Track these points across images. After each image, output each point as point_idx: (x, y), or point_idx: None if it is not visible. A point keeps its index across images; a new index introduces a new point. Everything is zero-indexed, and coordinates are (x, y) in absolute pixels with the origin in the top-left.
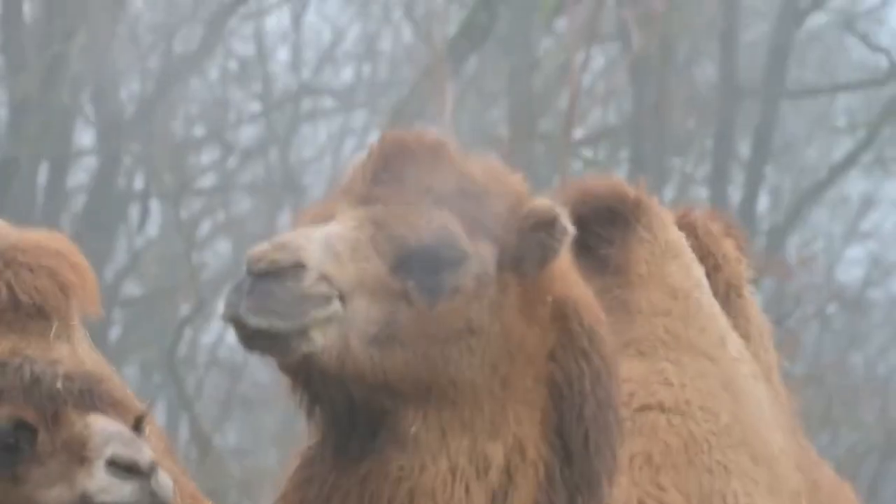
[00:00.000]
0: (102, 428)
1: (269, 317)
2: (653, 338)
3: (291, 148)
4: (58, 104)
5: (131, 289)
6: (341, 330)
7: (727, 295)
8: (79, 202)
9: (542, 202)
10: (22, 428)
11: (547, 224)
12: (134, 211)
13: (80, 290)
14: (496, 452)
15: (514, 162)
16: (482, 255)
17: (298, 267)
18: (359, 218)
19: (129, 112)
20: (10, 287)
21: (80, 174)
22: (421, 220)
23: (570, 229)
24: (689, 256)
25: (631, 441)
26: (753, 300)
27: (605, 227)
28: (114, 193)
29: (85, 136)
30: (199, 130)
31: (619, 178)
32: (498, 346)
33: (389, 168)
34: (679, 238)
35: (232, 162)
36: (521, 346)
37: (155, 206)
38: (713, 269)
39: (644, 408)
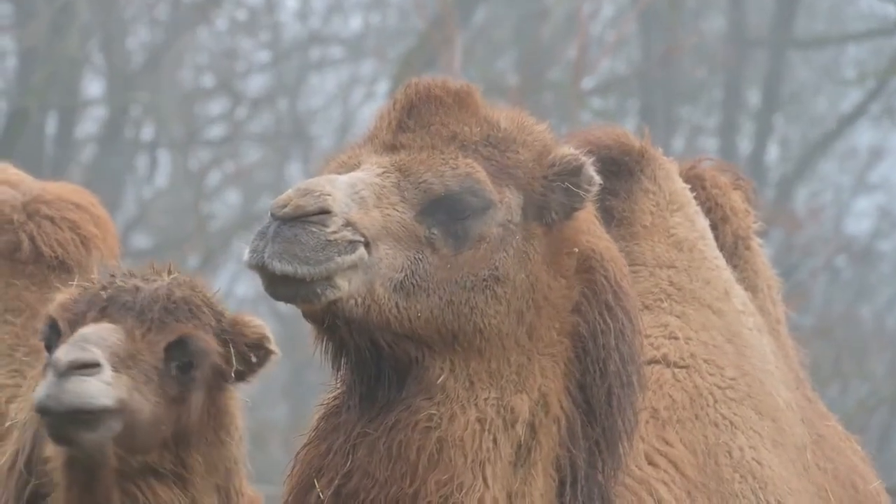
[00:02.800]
0: (80, 331)
1: (293, 262)
2: (657, 290)
3: (300, 97)
4: (66, 54)
5: (140, 240)
6: (366, 277)
7: (735, 247)
8: (87, 152)
9: (569, 151)
10: (53, 329)
11: (573, 172)
12: (142, 161)
13: (101, 243)
14: (522, 405)
15: (524, 111)
16: (508, 203)
17: (324, 213)
18: (384, 165)
19: (138, 62)
20: (32, 239)
21: (89, 124)
22: (446, 166)
23: (597, 179)
24: (694, 208)
25: None
26: (761, 252)
27: (609, 179)
28: (122, 143)
29: (93, 86)
30: (207, 80)
31: (624, 128)
32: (523, 296)
33: (415, 115)
34: (684, 189)
35: (240, 112)
36: (546, 297)
37: (163, 156)
38: (721, 220)
39: (649, 362)
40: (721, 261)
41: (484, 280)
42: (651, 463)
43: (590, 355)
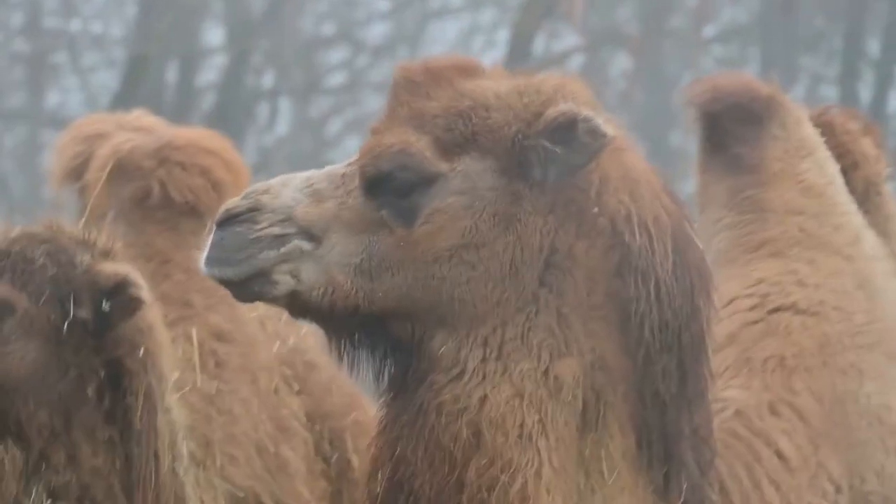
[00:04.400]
0: None
1: (219, 266)
2: (786, 237)
3: (420, 46)
4: (187, 2)
5: None
6: (319, 266)
7: (866, 193)
8: (208, 100)
9: (562, 108)
10: None
11: (564, 128)
12: (263, 109)
13: (233, 188)
14: (566, 370)
15: (645, 60)
16: (468, 171)
17: (253, 211)
18: (359, 150)
19: (259, 10)
20: (162, 185)
21: (209, 72)
22: (383, 146)
23: (603, 131)
24: (824, 154)
25: (764, 343)
26: (893, 198)
27: (737, 126)
28: (243, 92)
29: (214, 34)
30: (328, 28)
31: (750, 75)
32: (515, 257)
33: (396, 98)
34: (813, 135)
35: (361, 60)
36: (569, 258)
37: (284, 104)
38: (851, 167)
39: (778, 309)
40: (852, 207)
41: (450, 250)
42: (774, 413)
43: (639, 316)
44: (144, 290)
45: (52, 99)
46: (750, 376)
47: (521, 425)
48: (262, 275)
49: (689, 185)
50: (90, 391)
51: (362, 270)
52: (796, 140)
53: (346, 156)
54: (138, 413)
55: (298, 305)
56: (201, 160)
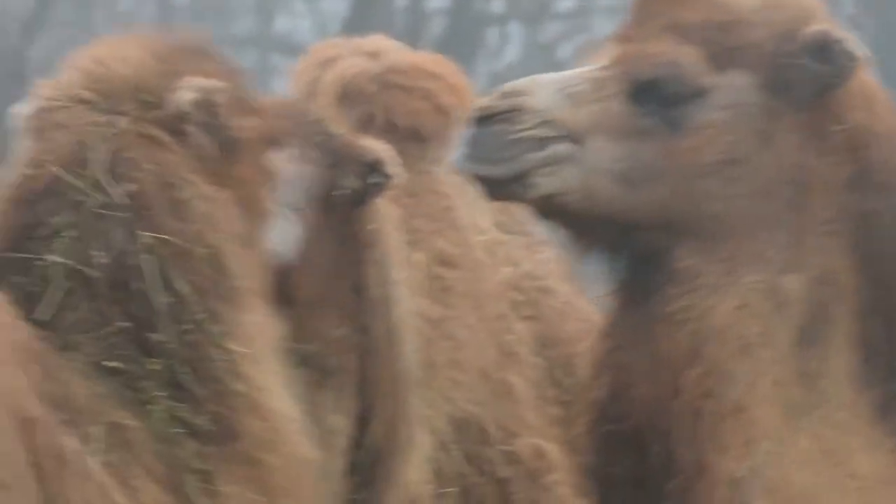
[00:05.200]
0: None
1: (481, 164)
2: None
3: None
4: None
5: None
6: (580, 170)
7: None
8: (437, 25)
9: (820, 27)
10: None
11: (819, 49)
12: (493, 34)
13: (459, 112)
14: (794, 285)
15: None
16: (731, 85)
17: (513, 111)
18: (609, 57)
19: None
20: (385, 110)
21: None
22: (655, 54)
23: (857, 54)
24: None
25: None
26: None
27: None
28: (473, 16)
29: None
30: None
31: None
32: (772, 175)
33: (647, 6)
34: None
35: None
36: (813, 175)
37: (514, 29)
38: None
39: None
40: None
41: (714, 164)
42: None
43: (874, 232)
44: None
45: (282, 25)
46: None
47: (743, 336)
48: (523, 176)
49: None
50: (345, 263)
51: (624, 177)
52: None
53: None
54: (376, 284)
55: (552, 208)
56: (424, 84)
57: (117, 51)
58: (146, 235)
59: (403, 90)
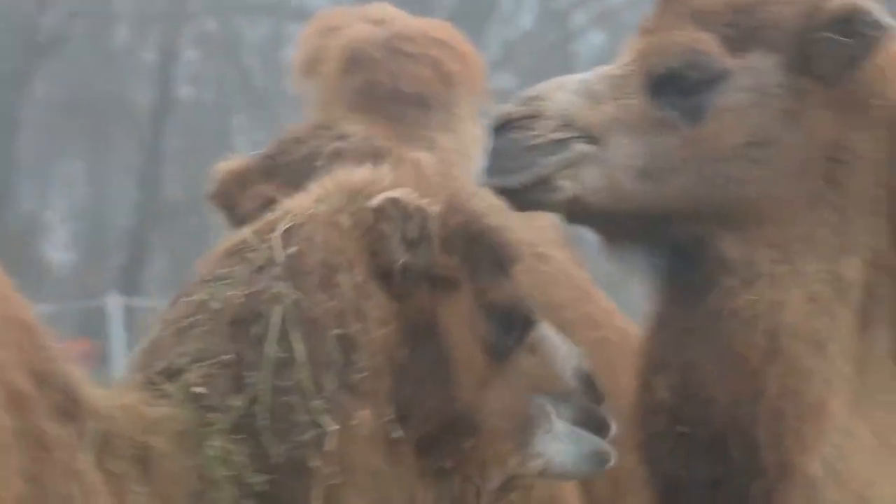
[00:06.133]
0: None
1: (500, 175)
2: None
3: None
4: None
5: (504, 79)
6: (603, 169)
7: None
8: None
9: (839, 1)
10: (267, 206)
11: (843, 20)
12: (507, 1)
13: (465, 79)
14: (850, 269)
15: None
16: (756, 67)
17: (531, 118)
18: (631, 52)
19: None
20: (392, 76)
21: None
22: (670, 44)
23: (884, 22)
24: None
25: None
26: None
27: None
28: None
29: None
30: None
31: None
32: (805, 154)
33: None
34: None
35: None
36: (851, 151)
37: None
38: None
39: None
40: None
41: (736, 148)
42: None
43: None
44: None
45: None
46: None
47: (817, 331)
48: (544, 181)
49: None
50: None
51: (647, 172)
52: None
53: (591, 49)
54: None
55: (579, 210)
56: (431, 51)
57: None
58: (283, 286)
59: (410, 57)
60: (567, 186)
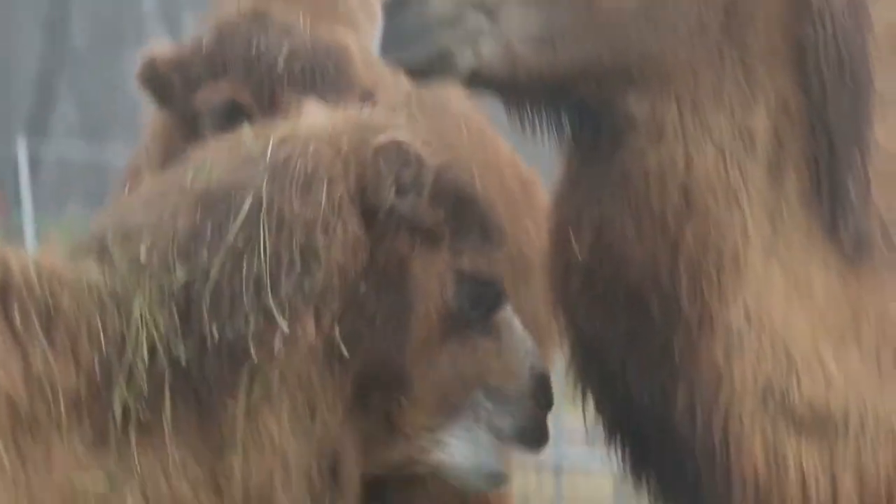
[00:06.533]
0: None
1: (398, 51)
2: None
3: None
4: None
5: None
6: (500, 40)
7: None
8: None
9: None
10: (236, 110)
11: None
12: None
13: None
14: (758, 118)
15: None
16: None
17: None
18: None
19: None
20: None
21: None
22: None
23: None
24: None
25: None
26: None
27: None
28: None
29: None
30: None
31: None
32: (700, 9)
33: None
34: None
35: None
36: (744, 4)
37: None
38: None
39: None
40: None
41: (634, 11)
42: None
43: (813, 53)
44: None
45: None
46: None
47: (729, 184)
48: (443, 55)
49: None
50: None
51: (545, 40)
52: None
53: None
54: None
55: (480, 82)
56: None
57: None
58: (262, 180)
59: None
60: (465, 60)
